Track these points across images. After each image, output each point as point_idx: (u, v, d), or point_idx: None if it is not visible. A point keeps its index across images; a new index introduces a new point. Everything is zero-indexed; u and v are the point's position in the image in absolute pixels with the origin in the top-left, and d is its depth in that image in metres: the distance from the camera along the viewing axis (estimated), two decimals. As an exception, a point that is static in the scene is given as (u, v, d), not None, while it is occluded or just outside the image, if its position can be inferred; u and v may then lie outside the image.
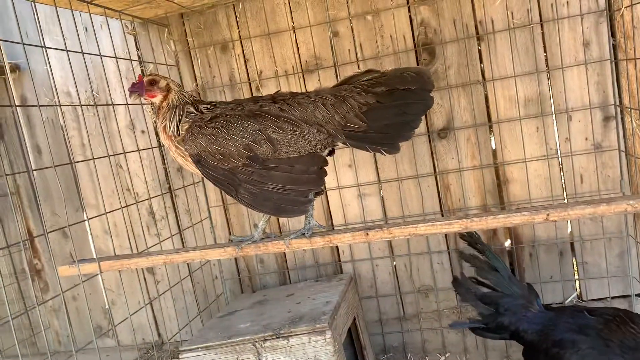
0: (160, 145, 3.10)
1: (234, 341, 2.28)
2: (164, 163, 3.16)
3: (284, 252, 3.17)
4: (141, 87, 1.96)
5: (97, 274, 2.09)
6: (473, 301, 2.43)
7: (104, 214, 2.36)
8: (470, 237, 2.50)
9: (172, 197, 3.16)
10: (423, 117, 2.75)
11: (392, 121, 1.95)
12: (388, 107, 1.94)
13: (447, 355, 3.00)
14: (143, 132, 3.11)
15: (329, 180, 3.03)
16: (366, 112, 1.93)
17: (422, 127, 2.90)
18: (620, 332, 1.99)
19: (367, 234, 1.91)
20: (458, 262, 2.98)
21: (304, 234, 1.97)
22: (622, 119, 2.70)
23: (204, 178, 1.98)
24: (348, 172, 3.01)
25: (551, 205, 1.78)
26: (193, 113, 1.94)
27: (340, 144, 1.98)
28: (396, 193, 2.99)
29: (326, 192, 3.05)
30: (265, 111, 1.89)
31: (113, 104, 2.78)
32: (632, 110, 2.64)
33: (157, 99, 1.98)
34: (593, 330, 2.04)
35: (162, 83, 1.96)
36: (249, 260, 3.22)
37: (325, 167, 1.97)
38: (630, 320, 2.01)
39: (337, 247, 3.11)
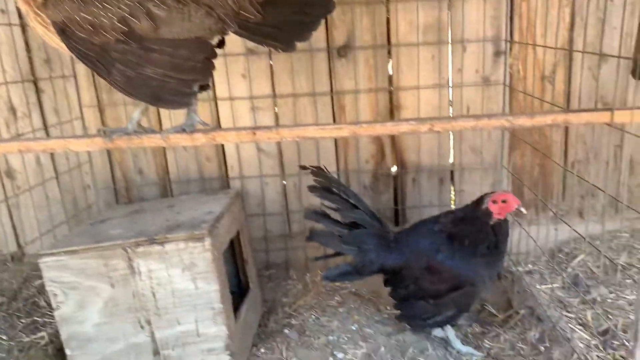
0: (22, 25, 2.65)
1: (102, 245, 2.09)
2: (29, 51, 2.74)
3: (166, 164, 2.97)
4: None
5: None
6: (338, 247, 2.39)
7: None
8: (324, 178, 2.37)
9: (37, 92, 2.76)
10: (321, 28, 2.68)
11: (290, 18, 1.81)
12: (287, 3, 1.80)
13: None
14: (3, 11, 2.65)
15: (220, 90, 2.85)
16: (263, 4, 1.77)
17: (322, 42, 2.80)
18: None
19: (255, 133, 1.79)
20: (345, 183, 3.02)
21: (184, 129, 1.81)
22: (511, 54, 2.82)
23: (73, 56, 1.70)
24: (241, 83, 2.84)
25: (436, 117, 1.79)
26: None
27: (231, 33, 1.81)
28: (291, 110, 2.90)
29: (217, 102, 2.87)
30: (146, -19, 1.65)
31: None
32: (519, 46, 2.76)
33: None
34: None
35: None
36: (126, 170, 2.97)
37: (214, 60, 1.80)
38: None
39: (225, 162, 2.98)
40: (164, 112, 2.85)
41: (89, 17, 1.58)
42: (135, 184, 2.98)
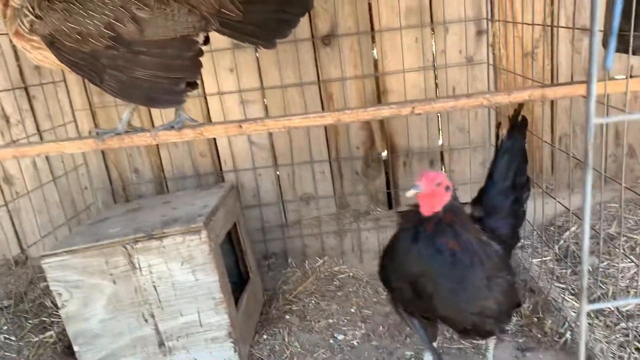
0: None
1: (102, 244, 2.15)
2: (17, 59, 2.78)
3: (161, 162, 3.03)
4: None
5: None
6: None
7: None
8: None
9: (28, 98, 2.81)
10: (304, 19, 2.72)
11: (269, 17, 1.86)
12: (267, 2, 1.85)
13: (325, 258, 3.13)
14: (-11, 21, 2.69)
15: (209, 86, 2.89)
16: (243, 3, 1.82)
17: (306, 33, 2.84)
18: None
19: (241, 126, 1.85)
20: (338, 171, 3.08)
21: (173, 126, 1.86)
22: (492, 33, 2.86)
23: (64, 66, 1.75)
24: (229, 77, 2.89)
25: (417, 99, 1.84)
26: None
27: (214, 31, 1.85)
28: (280, 101, 2.94)
29: (206, 98, 2.91)
30: (127, -15, 1.69)
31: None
32: (500, 24, 2.80)
33: None
34: None
35: None
36: (122, 170, 3.03)
37: (201, 58, 1.85)
38: None
39: (218, 157, 3.03)
40: (154, 110, 2.90)
41: (75, 27, 1.63)
42: (132, 182, 3.04)
